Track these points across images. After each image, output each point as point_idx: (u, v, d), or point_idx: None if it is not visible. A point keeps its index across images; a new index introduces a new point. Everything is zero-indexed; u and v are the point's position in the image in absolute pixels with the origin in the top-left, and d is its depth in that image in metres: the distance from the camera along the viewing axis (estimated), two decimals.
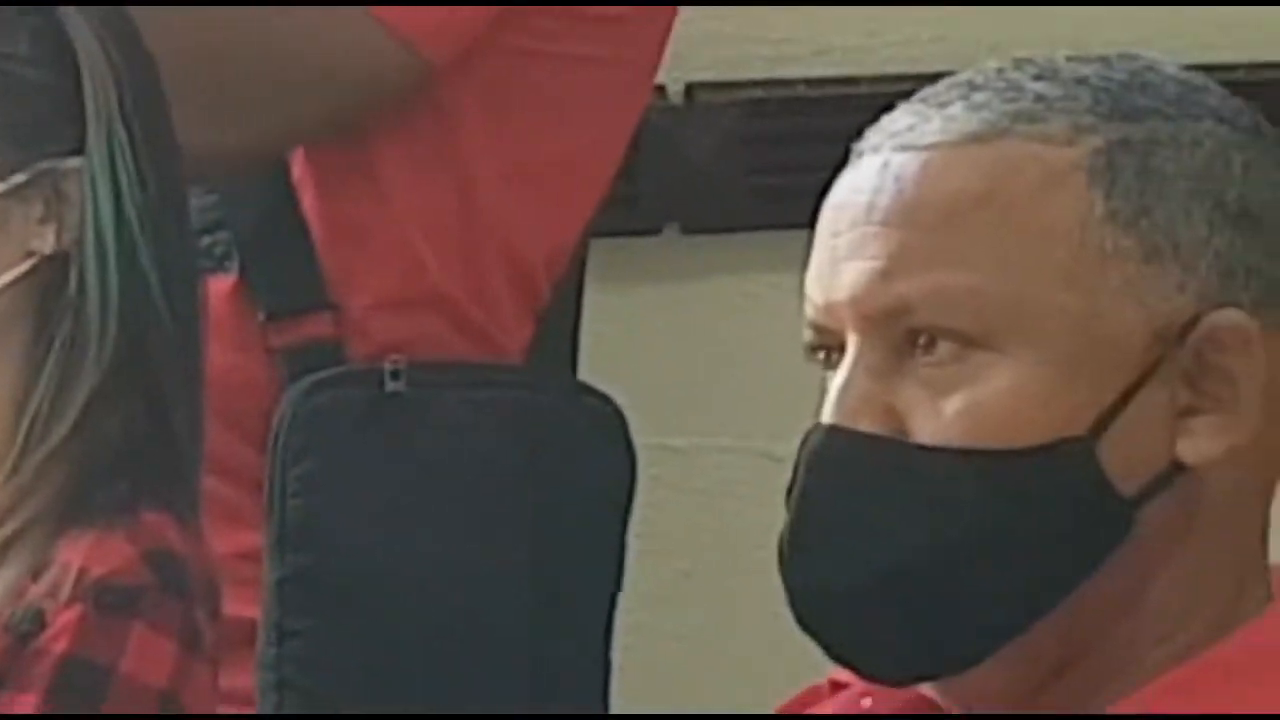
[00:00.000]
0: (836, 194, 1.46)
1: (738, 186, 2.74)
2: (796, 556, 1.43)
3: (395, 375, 2.27)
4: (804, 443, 1.47)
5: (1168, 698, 1.42)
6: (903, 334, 1.39)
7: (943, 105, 1.46)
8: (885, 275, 1.42)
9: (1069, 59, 1.55)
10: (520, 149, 2.35)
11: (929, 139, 1.43)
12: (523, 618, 2.40)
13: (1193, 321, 1.38)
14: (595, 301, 2.51)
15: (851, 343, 1.41)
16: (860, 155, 1.48)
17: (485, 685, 2.34)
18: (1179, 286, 1.40)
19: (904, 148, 1.48)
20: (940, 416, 1.42)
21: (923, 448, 1.42)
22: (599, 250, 2.55)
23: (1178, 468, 1.39)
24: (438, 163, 2.33)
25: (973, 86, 1.48)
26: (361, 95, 2.33)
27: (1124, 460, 1.41)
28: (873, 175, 1.46)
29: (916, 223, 1.41)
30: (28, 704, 1.89)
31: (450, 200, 2.33)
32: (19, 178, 1.92)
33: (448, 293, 2.33)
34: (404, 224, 2.31)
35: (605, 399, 2.39)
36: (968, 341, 1.37)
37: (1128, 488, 1.40)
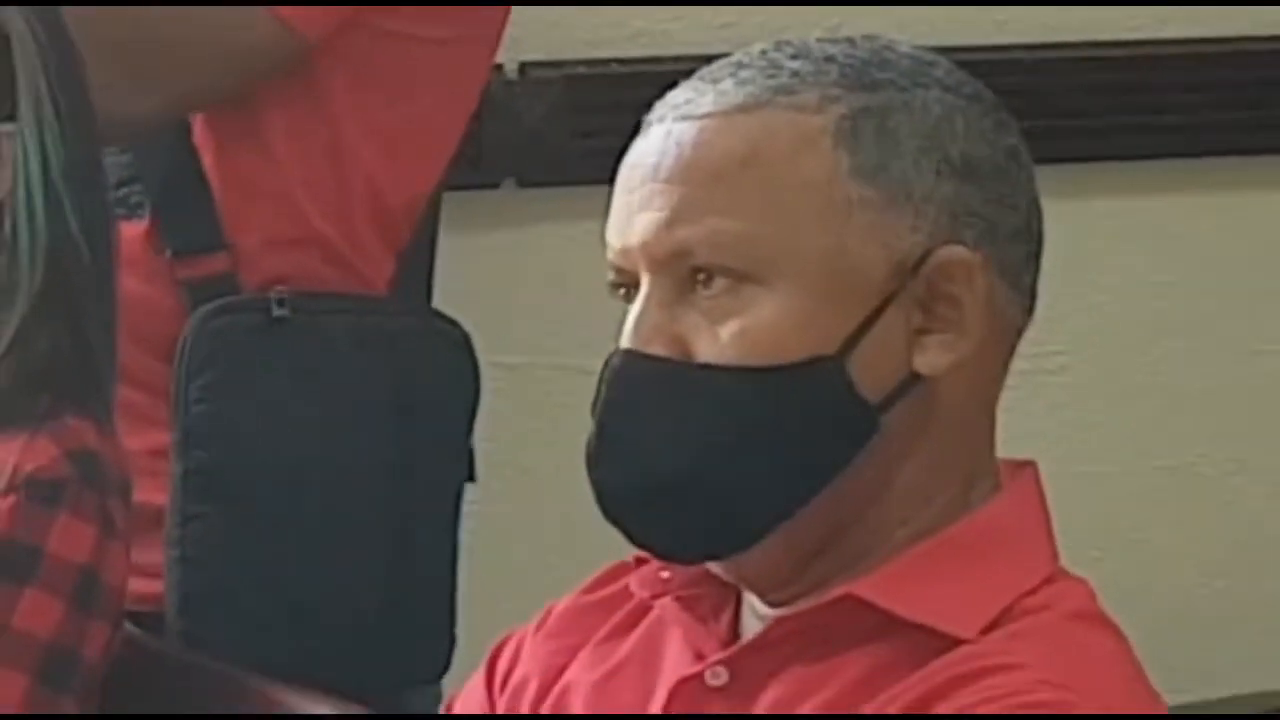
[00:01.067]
0: (630, 157, 1.56)
1: (564, 148, 2.94)
2: (600, 459, 1.54)
3: (280, 303, 2.39)
4: (606, 364, 1.56)
5: (909, 569, 1.53)
6: (686, 272, 1.50)
7: (715, 81, 1.56)
8: (669, 224, 1.53)
9: (820, 40, 1.62)
10: (381, 115, 2.46)
11: (703, 110, 1.54)
12: (386, 502, 2.50)
13: (924, 257, 1.49)
14: (445, 245, 2.67)
15: (644, 280, 1.53)
16: (649, 125, 1.57)
17: (354, 558, 2.44)
18: (913, 228, 1.50)
19: (683, 118, 1.57)
20: (717, 341, 1.51)
21: (703, 366, 1.52)
22: (448, 202, 2.65)
23: (915, 378, 1.49)
24: (312, 126, 2.42)
25: (740, 65, 1.57)
26: (246, 69, 2.42)
27: (870, 373, 1.51)
28: (658, 141, 1.55)
29: (693, 180, 1.51)
30: None
31: (323, 158, 2.43)
32: None
33: (323, 234, 2.42)
34: (285, 177, 2.42)
35: (454, 323, 2.51)
36: (739, 277, 1.47)
37: (874, 395, 1.51)
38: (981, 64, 1.94)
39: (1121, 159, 3.46)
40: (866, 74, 1.57)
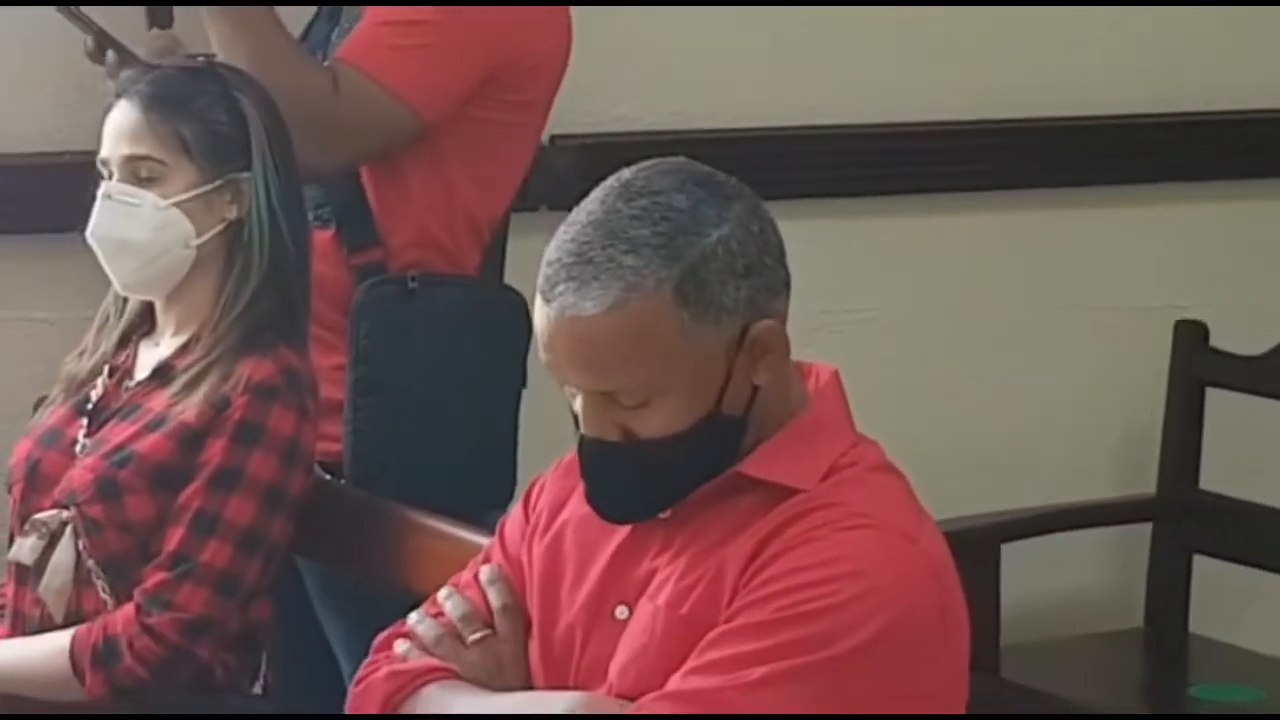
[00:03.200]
0: (539, 331, 1.90)
1: (579, 187, 3.04)
2: (592, 499, 1.97)
3: (412, 280, 2.81)
4: (580, 445, 1.97)
5: (768, 453, 1.92)
6: (610, 395, 1.90)
7: (584, 284, 1.84)
8: (593, 381, 1.90)
9: (632, 218, 1.88)
10: (476, 166, 2.85)
11: (586, 313, 1.84)
12: (481, 393, 2.91)
13: (742, 335, 1.86)
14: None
15: (583, 395, 1.92)
16: (547, 303, 1.89)
17: (461, 426, 2.86)
18: (730, 324, 1.86)
19: (573, 319, 1.87)
20: (647, 426, 1.89)
21: (643, 440, 1.92)
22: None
23: (756, 388, 1.88)
24: (433, 172, 2.79)
25: (597, 270, 1.86)
26: (390, 142, 2.76)
27: (733, 402, 1.90)
28: (562, 333, 1.87)
29: (596, 364, 1.87)
30: (219, 447, 2.49)
31: (439, 192, 2.82)
32: (219, 182, 2.55)
33: (438, 239, 2.84)
34: (415, 203, 2.82)
35: (516, 292, 2.89)
36: (645, 400, 1.87)
37: (738, 411, 1.91)
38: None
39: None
40: (676, 245, 1.80)
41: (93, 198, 2.56)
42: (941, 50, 3.68)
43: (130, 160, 2.41)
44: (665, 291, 1.75)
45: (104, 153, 2.49)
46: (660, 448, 1.79)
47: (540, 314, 1.84)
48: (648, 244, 1.81)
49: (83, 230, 2.59)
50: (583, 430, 1.82)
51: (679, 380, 1.79)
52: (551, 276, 1.81)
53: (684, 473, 1.80)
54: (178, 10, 2.92)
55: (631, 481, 1.82)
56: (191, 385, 2.43)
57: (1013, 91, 3.70)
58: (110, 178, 2.44)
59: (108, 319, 2.63)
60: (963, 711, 1.96)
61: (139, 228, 2.41)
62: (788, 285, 1.88)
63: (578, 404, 1.83)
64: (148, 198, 2.41)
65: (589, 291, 1.78)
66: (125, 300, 2.62)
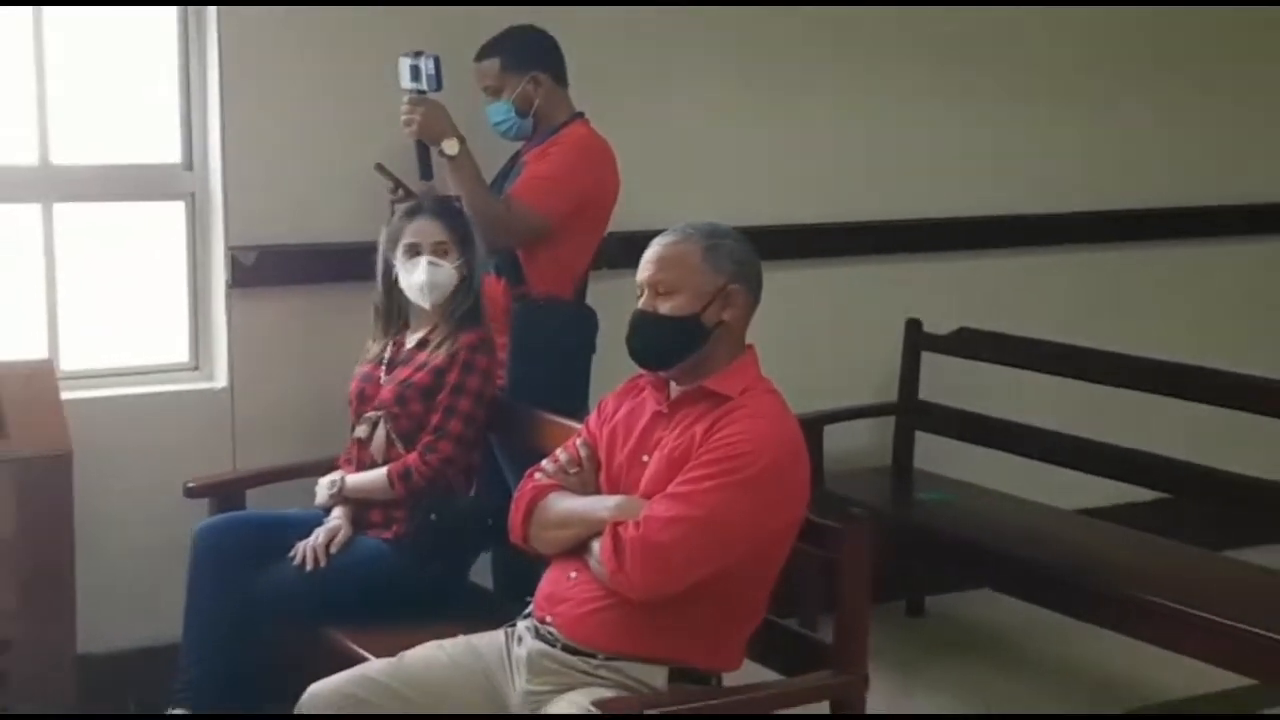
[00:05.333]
0: (646, 254, 2.42)
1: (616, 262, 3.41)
2: (632, 342, 2.42)
3: (540, 300, 3.31)
4: (633, 316, 2.40)
5: (722, 377, 2.38)
6: (655, 287, 2.39)
7: (669, 234, 2.41)
8: (656, 273, 2.38)
9: (693, 227, 2.39)
10: (579, 240, 3.33)
11: (666, 241, 2.39)
12: (579, 359, 3.35)
13: (725, 286, 2.37)
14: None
15: (647, 288, 2.38)
16: (652, 245, 2.40)
17: (563, 381, 3.27)
18: (721, 278, 2.37)
19: (658, 244, 2.40)
20: (666, 306, 2.36)
21: (661, 314, 2.38)
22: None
23: (720, 321, 2.37)
24: (556, 248, 3.30)
25: (675, 231, 2.41)
26: (534, 235, 3.27)
27: (709, 317, 2.36)
28: (653, 250, 2.42)
29: (661, 264, 2.39)
30: (454, 375, 2.94)
31: (555, 258, 3.32)
32: (461, 260, 3.00)
33: (553, 282, 3.34)
34: (544, 263, 3.32)
35: (592, 309, 3.34)
36: (669, 292, 2.36)
37: (710, 323, 2.37)
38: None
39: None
40: (711, 235, 2.44)
41: (371, 265, 3.12)
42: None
43: (437, 244, 3.04)
44: (699, 245, 2.42)
45: (417, 239, 3.03)
46: (668, 321, 2.41)
47: (645, 255, 2.44)
48: (699, 230, 2.46)
49: (382, 281, 3.09)
50: (639, 306, 2.44)
51: (688, 289, 2.39)
52: (656, 240, 2.45)
53: (673, 342, 2.42)
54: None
55: (652, 339, 2.44)
56: (438, 346, 3.06)
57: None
58: (422, 253, 3.03)
59: (382, 321, 3.14)
60: (807, 502, 2.38)
61: (445, 277, 3.04)
62: (758, 291, 2.48)
63: (641, 299, 2.42)
64: (447, 263, 3.05)
65: (669, 237, 2.45)
66: (389, 312, 3.11)
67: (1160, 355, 3.83)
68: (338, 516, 3.04)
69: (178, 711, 2.93)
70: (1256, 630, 3.06)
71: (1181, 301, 4.64)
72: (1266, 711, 3.54)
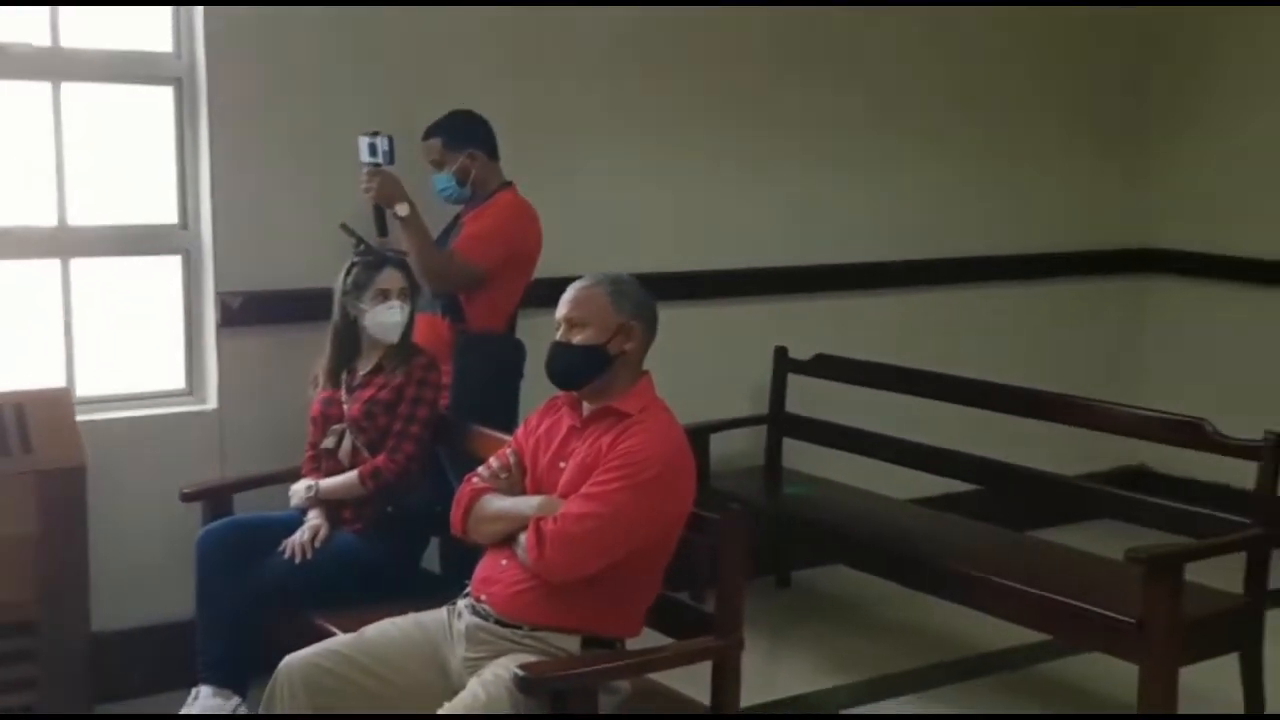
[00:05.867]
0: (561, 301, 2.37)
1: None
2: (550, 369, 2.38)
3: (477, 334, 3.25)
4: (551, 347, 2.35)
5: (621, 400, 2.36)
6: (570, 321, 2.35)
7: (582, 282, 2.38)
8: (571, 311, 2.35)
9: (601, 275, 2.35)
10: (504, 289, 3.27)
11: (580, 286, 2.35)
12: (509, 382, 3.28)
13: (625, 323, 2.35)
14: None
15: (563, 322, 2.34)
16: (568, 290, 2.33)
17: (498, 400, 3.22)
18: (622, 316, 2.36)
19: (575, 288, 2.32)
20: (577, 338, 2.33)
21: (573, 344, 2.36)
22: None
23: (622, 351, 2.36)
24: (488, 291, 3.25)
25: (586, 280, 2.36)
26: (473, 281, 3.22)
27: (612, 347, 2.33)
28: (570, 292, 2.37)
29: (575, 304, 2.35)
30: (410, 391, 2.87)
31: (491, 301, 3.25)
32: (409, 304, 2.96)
33: (488, 319, 3.27)
34: (481, 307, 3.25)
35: (520, 340, 3.28)
36: (581, 324, 2.34)
37: (614, 352, 2.34)
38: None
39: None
40: (616, 281, 2.42)
41: (327, 311, 3.03)
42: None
43: (401, 290, 3.00)
44: (605, 288, 2.43)
45: (387, 286, 2.96)
46: (579, 350, 2.40)
47: (562, 297, 2.42)
48: (607, 277, 2.46)
49: (335, 320, 3.00)
50: (556, 338, 2.43)
51: (596, 324, 2.38)
52: (572, 285, 2.44)
53: (582, 366, 2.40)
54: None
55: (566, 365, 2.42)
56: (394, 370, 3.00)
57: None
58: (391, 297, 2.98)
59: (338, 354, 3.02)
60: (694, 498, 2.35)
61: (406, 317, 3.02)
62: (654, 327, 2.47)
63: (558, 332, 2.39)
64: (407, 305, 3.02)
65: (582, 282, 2.44)
66: (345, 346, 2.99)
67: (973, 375, 3.88)
68: (316, 516, 2.99)
69: (202, 689, 2.90)
70: (1049, 594, 3.13)
71: (988, 331, 4.68)
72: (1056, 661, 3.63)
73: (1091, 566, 3.39)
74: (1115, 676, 3.25)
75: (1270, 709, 3.10)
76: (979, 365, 4.14)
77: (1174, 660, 2.86)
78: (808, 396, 4.20)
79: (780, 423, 4.24)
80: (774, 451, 4.27)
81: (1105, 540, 3.53)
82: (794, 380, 4.21)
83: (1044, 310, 4.80)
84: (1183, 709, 2.90)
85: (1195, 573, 2.90)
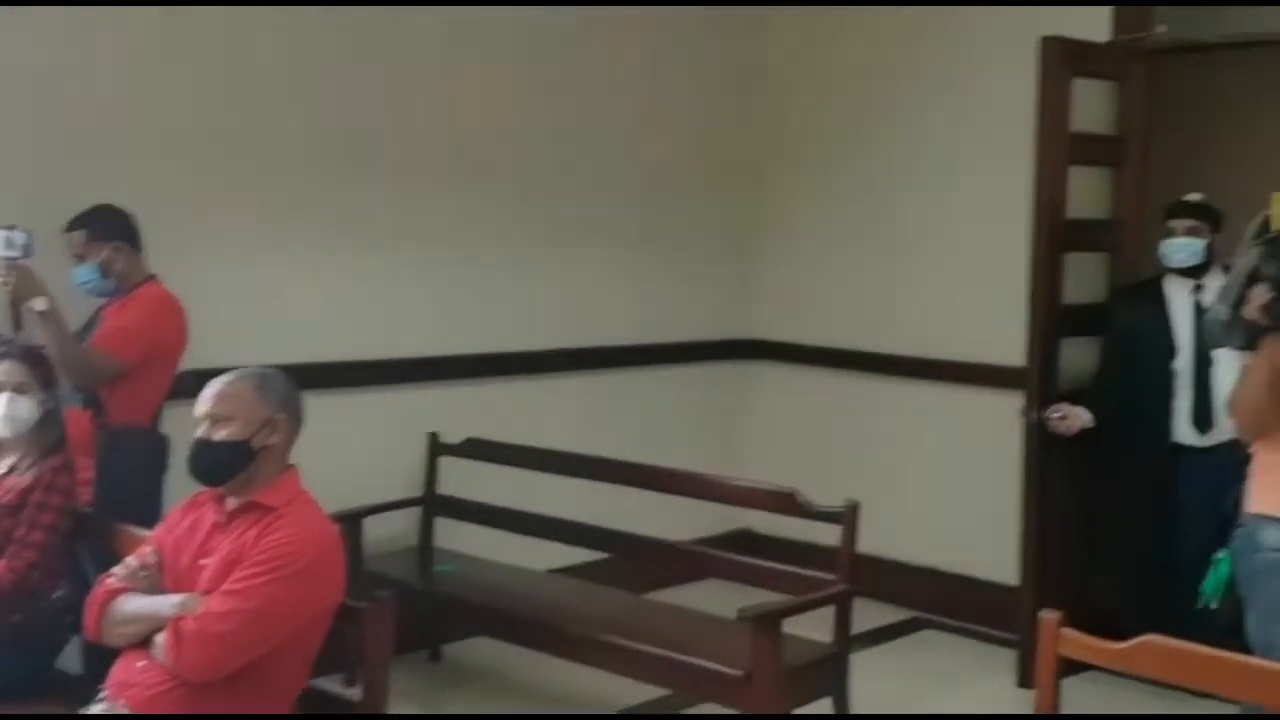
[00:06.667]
0: (200, 398, 2.22)
1: None
2: (192, 468, 2.27)
3: (119, 429, 3.10)
4: (194, 444, 2.21)
5: (265, 493, 2.25)
6: (212, 417, 2.18)
7: (226, 378, 2.23)
8: (214, 408, 2.21)
9: (242, 369, 2.23)
10: (147, 386, 3.11)
11: (224, 381, 2.26)
12: (152, 477, 3.16)
13: (271, 417, 2.21)
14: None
15: (206, 419, 2.18)
16: (209, 387, 2.21)
17: (145, 492, 3.11)
18: (274, 410, 2.25)
19: (218, 383, 2.21)
20: (220, 434, 2.17)
21: (215, 440, 2.18)
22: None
23: (266, 445, 2.23)
24: (130, 383, 3.08)
25: (232, 375, 2.22)
26: (109, 375, 3.10)
27: (256, 442, 2.17)
28: (212, 389, 2.24)
29: (217, 400, 2.24)
30: (38, 495, 2.61)
31: (133, 394, 3.09)
32: (44, 395, 2.69)
33: (131, 413, 3.12)
34: (124, 401, 3.07)
35: (165, 436, 3.18)
36: (225, 421, 2.21)
37: (258, 446, 2.21)
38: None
39: None
40: (260, 376, 2.31)
41: None
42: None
43: (18, 383, 2.78)
44: (250, 382, 2.35)
45: (2, 379, 2.76)
46: (223, 446, 2.31)
47: (204, 392, 2.32)
48: (251, 372, 2.38)
49: None
50: (198, 435, 2.32)
51: (240, 418, 2.29)
52: (215, 380, 2.33)
53: (225, 462, 2.31)
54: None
55: (209, 461, 2.32)
56: (25, 471, 2.79)
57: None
58: (5, 390, 2.75)
59: None
60: (343, 589, 2.26)
61: (25, 411, 2.79)
62: (299, 420, 2.37)
63: (200, 429, 2.28)
64: (28, 399, 2.79)
65: (226, 378, 2.35)
66: None
67: (609, 451, 4.00)
68: None
69: None
70: (666, 653, 3.23)
71: (623, 411, 4.80)
72: (684, 712, 3.72)
73: (703, 624, 3.53)
74: None
75: None
76: (615, 442, 4.26)
77: (778, 706, 2.98)
78: (460, 477, 4.21)
79: (432, 504, 4.24)
80: (427, 532, 4.26)
81: (717, 598, 3.68)
82: (447, 462, 4.23)
83: (669, 392, 4.99)
84: None
85: (792, 625, 3.04)
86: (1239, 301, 2.60)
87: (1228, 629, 2.65)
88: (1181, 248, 3.58)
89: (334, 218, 3.95)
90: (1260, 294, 2.55)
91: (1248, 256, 2.62)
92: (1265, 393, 2.60)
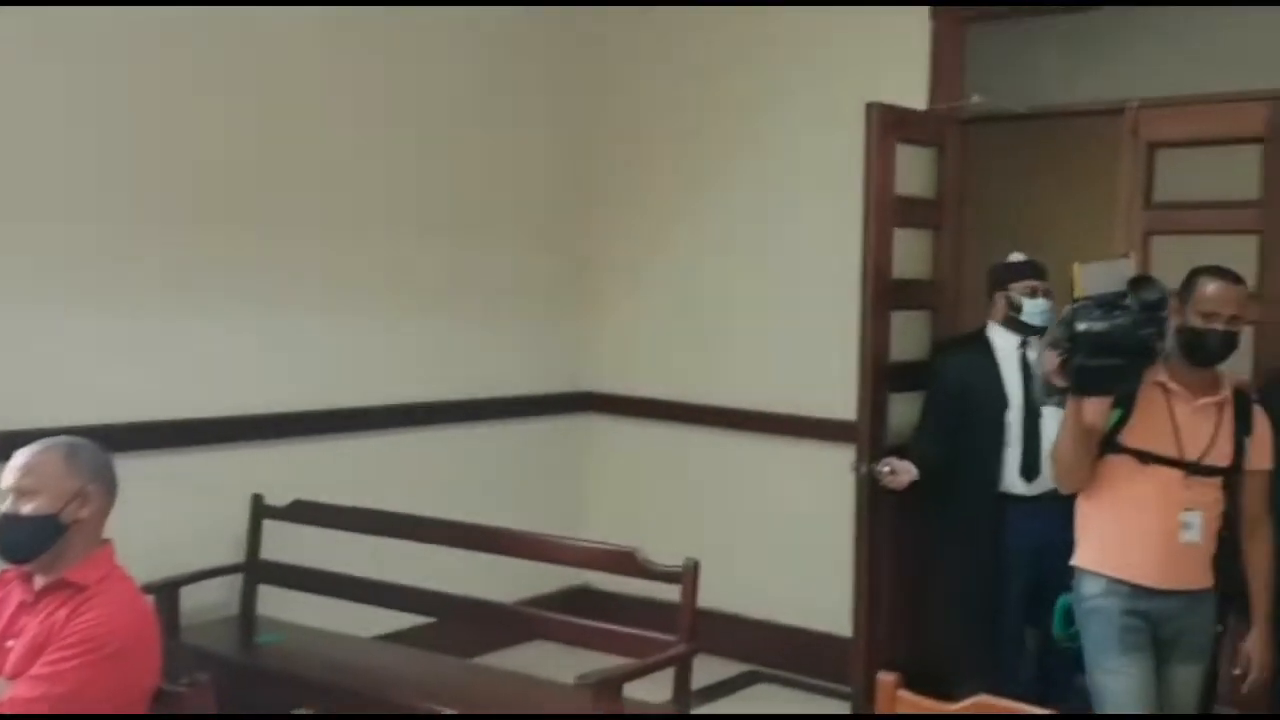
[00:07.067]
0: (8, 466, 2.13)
1: None
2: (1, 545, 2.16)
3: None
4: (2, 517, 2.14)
5: (75, 571, 2.15)
6: (19, 490, 2.11)
7: (37, 444, 2.13)
8: (20, 481, 2.14)
9: (51, 439, 2.17)
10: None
11: (30, 451, 2.14)
12: None
13: (83, 488, 2.15)
14: None
15: (12, 493, 2.11)
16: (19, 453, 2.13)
17: None
18: (85, 480, 2.14)
19: (24, 454, 2.12)
20: (27, 508, 2.10)
21: (23, 514, 2.13)
22: None
23: (78, 519, 2.11)
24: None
25: (43, 442, 2.15)
26: None
27: (66, 515, 2.11)
28: (21, 457, 2.14)
29: (24, 472, 2.16)
30: None
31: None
32: None
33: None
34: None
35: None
36: (31, 494, 2.12)
37: (68, 520, 2.14)
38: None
39: None
40: (70, 445, 2.23)
41: None
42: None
43: None
44: (59, 452, 2.28)
45: None
46: (29, 521, 2.25)
47: (10, 463, 2.20)
48: (61, 441, 2.28)
49: None
50: (2, 509, 2.25)
51: (49, 491, 2.23)
52: (21, 450, 2.24)
53: (32, 539, 2.23)
54: None
55: (14, 538, 2.25)
56: None
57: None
58: None
59: None
60: (159, 670, 2.18)
61: None
62: (113, 491, 2.30)
63: (5, 503, 2.21)
64: None
65: (33, 448, 2.25)
66: None
67: (445, 509, 3.92)
68: None
69: None
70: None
71: (460, 468, 4.73)
72: None
73: (538, 690, 3.46)
74: None
75: None
76: (450, 501, 4.19)
77: None
78: (287, 541, 4.09)
79: (255, 570, 4.11)
80: (249, 600, 4.12)
81: (552, 660, 3.66)
82: (272, 526, 4.10)
83: (505, 447, 4.95)
84: None
85: (629, 686, 3.02)
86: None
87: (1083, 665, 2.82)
88: (1045, 309, 3.65)
89: (138, 271, 3.82)
90: (1050, 359, 2.70)
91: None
92: (1073, 449, 2.73)
